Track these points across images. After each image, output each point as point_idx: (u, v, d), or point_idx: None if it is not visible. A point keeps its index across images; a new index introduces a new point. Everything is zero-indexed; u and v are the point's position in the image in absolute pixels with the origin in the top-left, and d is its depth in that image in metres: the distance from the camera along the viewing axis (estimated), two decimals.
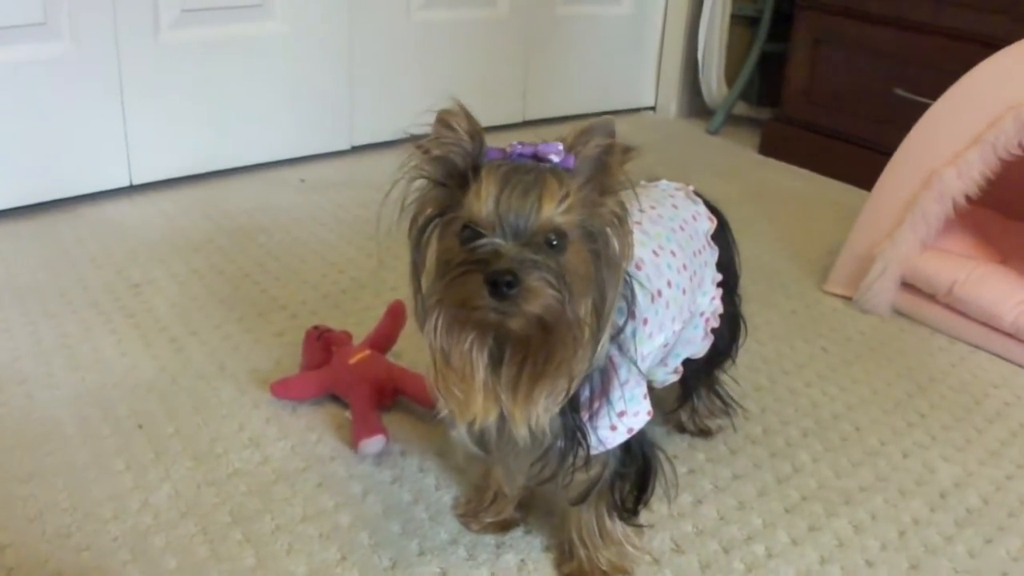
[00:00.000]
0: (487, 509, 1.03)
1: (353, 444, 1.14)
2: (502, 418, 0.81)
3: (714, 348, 1.10)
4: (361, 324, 1.38)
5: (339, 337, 1.28)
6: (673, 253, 0.99)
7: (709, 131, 2.73)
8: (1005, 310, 1.50)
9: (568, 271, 0.76)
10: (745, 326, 1.19)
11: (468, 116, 0.79)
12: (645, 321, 0.92)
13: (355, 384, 1.19)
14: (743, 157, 2.54)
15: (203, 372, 1.32)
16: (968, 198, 1.54)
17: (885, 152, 1.67)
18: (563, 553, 0.99)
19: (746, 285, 1.20)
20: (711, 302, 1.07)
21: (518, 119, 2.62)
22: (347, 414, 1.20)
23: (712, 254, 1.08)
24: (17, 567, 0.94)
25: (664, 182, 1.13)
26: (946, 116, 1.59)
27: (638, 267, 0.92)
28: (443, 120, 0.78)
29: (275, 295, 1.56)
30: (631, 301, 0.86)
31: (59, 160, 1.84)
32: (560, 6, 2.59)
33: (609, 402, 0.86)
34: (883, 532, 1.08)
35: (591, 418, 0.86)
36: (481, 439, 0.86)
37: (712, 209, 1.11)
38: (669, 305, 0.96)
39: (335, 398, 1.24)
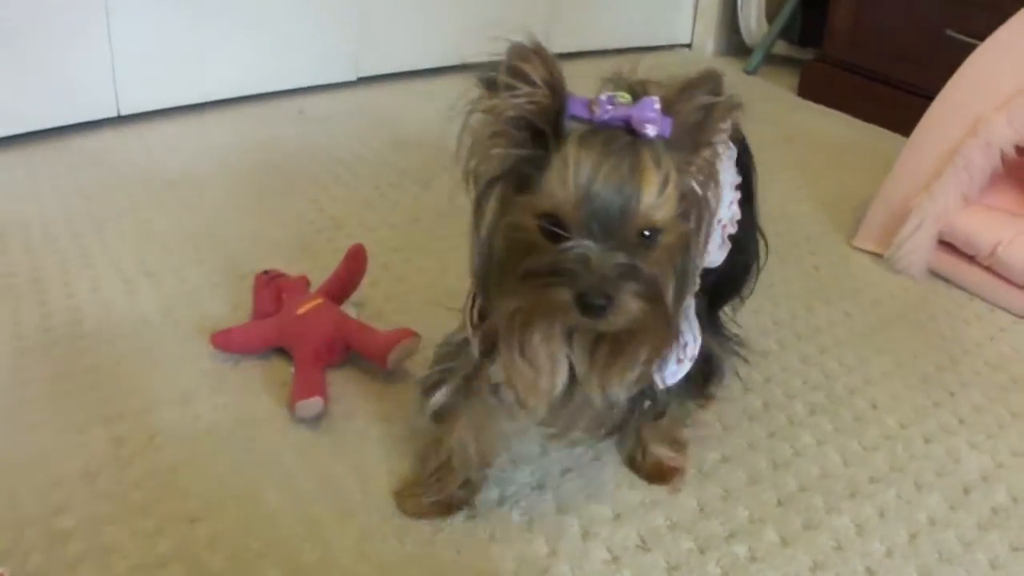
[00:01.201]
0: (429, 486, 0.90)
1: (290, 405, 1.01)
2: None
3: (725, 274, 0.98)
4: (329, 269, 1.26)
5: (293, 283, 1.17)
6: None
7: (747, 71, 2.62)
8: None
9: (660, 266, 0.71)
10: (767, 248, 1.07)
11: (546, 60, 0.69)
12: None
13: (301, 337, 1.08)
14: (780, 99, 2.41)
15: (148, 318, 1.22)
16: (1020, 148, 1.42)
17: (933, 98, 1.54)
18: (634, 456, 0.98)
19: (767, 237, 1.09)
20: (729, 207, 0.94)
21: None
22: (291, 369, 1.08)
23: (731, 155, 0.93)
24: None
25: None
26: (996, 57, 1.47)
27: None
28: (516, 68, 0.69)
29: (243, 234, 1.46)
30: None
31: (43, 90, 1.75)
32: None
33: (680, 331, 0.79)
34: (891, 534, 0.96)
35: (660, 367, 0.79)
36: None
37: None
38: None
39: (282, 352, 1.13)
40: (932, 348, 1.31)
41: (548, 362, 0.74)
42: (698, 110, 0.70)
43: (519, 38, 0.69)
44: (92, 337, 1.18)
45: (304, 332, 1.09)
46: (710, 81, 0.70)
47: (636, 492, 0.97)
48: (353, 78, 2.19)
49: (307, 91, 2.11)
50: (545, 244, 0.69)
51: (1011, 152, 1.42)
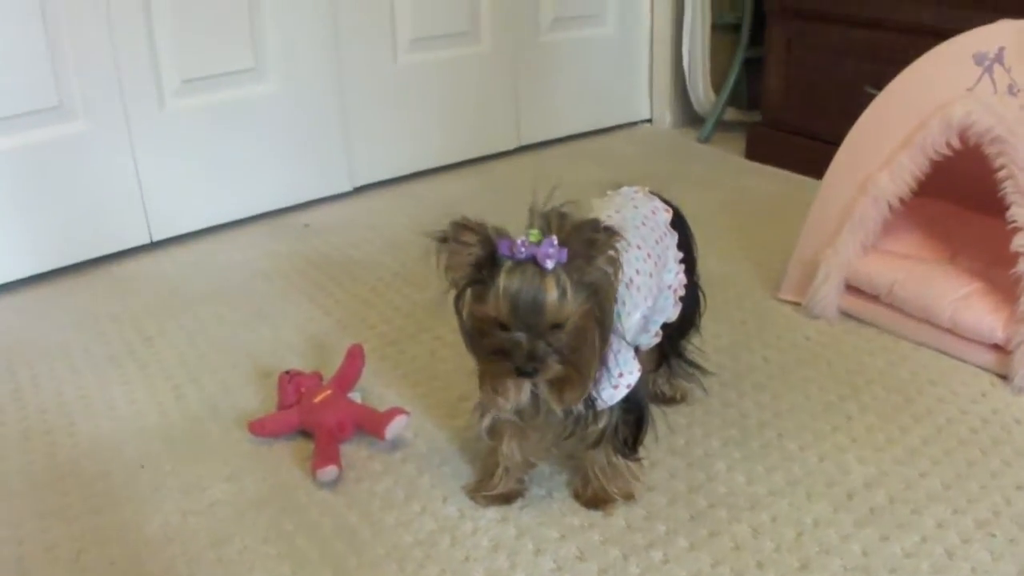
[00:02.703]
0: (496, 484, 1.24)
1: (312, 473, 1.31)
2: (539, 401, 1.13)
3: (681, 318, 1.33)
4: (337, 363, 1.55)
5: (309, 378, 1.47)
6: (639, 247, 1.21)
7: (700, 139, 2.84)
8: (942, 306, 1.57)
9: (574, 336, 1.04)
10: (704, 298, 1.41)
11: (475, 228, 1.04)
12: (623, 303, 1.15)
13: (319, 421, 1.37)
14: (729, 164, 2.64)
15: (198, 415, 1.51)
16: (902, 200, 1.63)
17: None
18: (579, 489, 1.25)
19: (704, 293, 1.41)
20: (675, 276, 1.29)
21: (513, 145, 2.76)
22: (312, 446, 1.38)
23: (672, 238, 1.30)
24: None
25: (625, 188, 1.35)
26: (877, 122, 1.66)
27: None
28: (455, 238, 1.04)
29: (266, 339, 1.75)
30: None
31: (83, 225, 2.05)
32: (544, 34, 2.72)
33: (608, 370, 1.11)
34: (781, 534, 1.16)
35: (596, 385, 1.10)
36: (520, 413, 1.16)
37: (666, 203, 1.34)
38: (640, 289, 1.19)
39: (305, 433, 1.42)
40: (838, 381, 1.52)
41: (515, 393, 1.11)
42: (584, 242, 1.02)
43: (457, 218, 1.04)
44: (153, 431, 1.47)
45: (321, 417, 1.38)
46: (592, 224, 1.03)
47: (577, 517, 1.23)
48: (349, 188, 2.47)
49: (310, 204, 2.40)
50: (497, 333, 1.04)
51: (896, 204, 1.62)
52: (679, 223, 1.34)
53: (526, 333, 1.02)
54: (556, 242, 1.02)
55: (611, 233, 1.05)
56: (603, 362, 1.11)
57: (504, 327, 1.03)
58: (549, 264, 1.00)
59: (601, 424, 1.17)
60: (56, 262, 2.04)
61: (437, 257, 1.05)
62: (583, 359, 1.06)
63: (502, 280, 1.01)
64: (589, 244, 1.04)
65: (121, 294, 1.97)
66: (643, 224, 1.29)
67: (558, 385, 1.08)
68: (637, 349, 1.25)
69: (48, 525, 1.26)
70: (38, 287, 2.02)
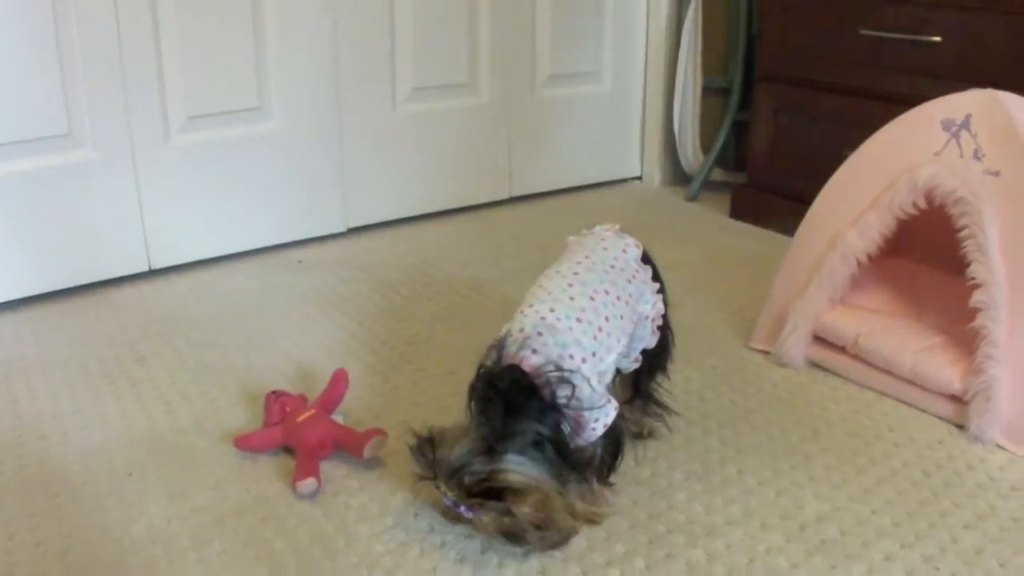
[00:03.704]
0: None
1: (292, 485, 1.38)
2: None
3: (653, 354, 1.42)
4: (321, 388, 1.62)
5: (294, 399, 1.54)
6: (607, 292, 1.29)
7: (687, 198, 2.93)
8: (904, 357, 1.64)
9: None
10: (672, 337, 1.49)
11: (426, 465, 1.19)
12: (594, 354, 1.23)
13: (301, 438, 1.44)
14: (714, 222, 2.73)
15: (186, 429, 1.58)
16: (884, 251, 1.71)
17: None
18: None
19: (676, 344, 1.51)
20: (652, 307, 1.37)
21: (505, 196, 2.85)
22: (295, 462, 1.45)
23: (646, 272, 1.38)
24: None
25: (597, 228, 1.44)
26: (848, 182, 1.75)
27: (579, 319, 1.25)
28: (417, 454, 1.19)
29: (255, 364, 1.83)
30: (572, 382, 1.19)
31: (85, 250, 2.14)
32: (540, 89, 2.83)
33: (584, 427, 1.20)
34: (733, 560, 1.21)
35: (579, 436, 1.21)
36: None
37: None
38: (611, 333, 1.27)
39: (288, 450, 1.49)
40: (800, 424, 1.58)
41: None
42: (476, 498, 1.17)
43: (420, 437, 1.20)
44: (149, 444, 1.54)
45: (303, 434, 1.45)
46: (459, 481, 1.17)
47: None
48: (343, 229, 2.56)
49: (305, 243, 2.49)
50: None
51: (864, 259, 1.70)
52: (648, 257, 1.42)
53: None
54: (462, 508, 1.16)
55: (495, 477, 1.15)
56: (571, 436, 1.22)
57: None
58: (468, 515, 1.17)
59: (587, 455, 1.24)
60: (57, 284, 2.12)
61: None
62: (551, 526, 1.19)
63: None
64: (472, 497, 1.15)
65: (118, 317, 2.05)
66: (612, 267, 1.35)
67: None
68: (618, 372, 1.36)
69: (38, 524, 1.33)
70: (38, 307, 2.10)
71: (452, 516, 1.24)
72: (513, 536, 1.22)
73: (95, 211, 2.13)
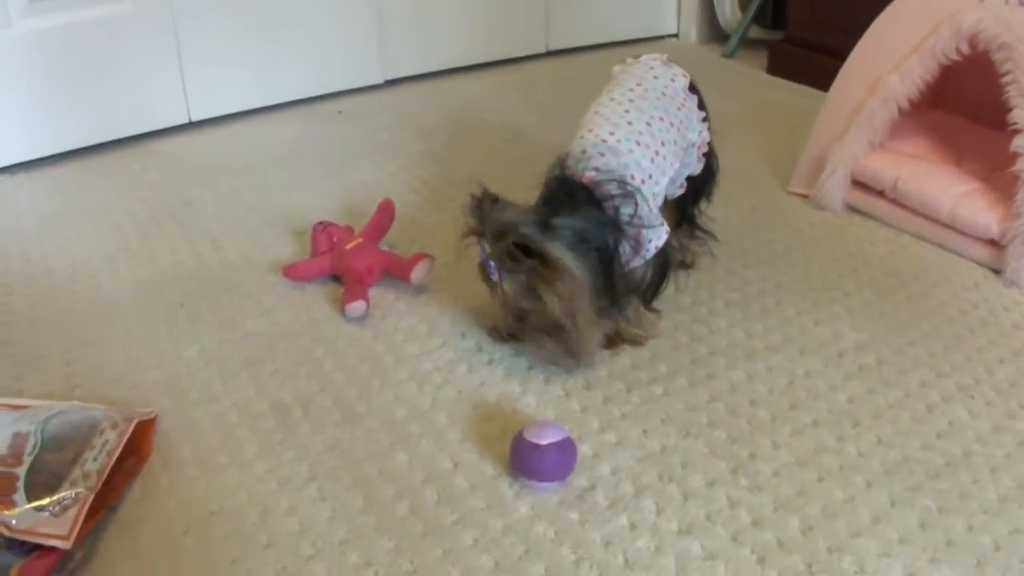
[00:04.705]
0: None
1: (342, 309, 1.41)
2: None
3: (699, 180, 1.45)
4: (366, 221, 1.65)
5: (341, 229, 1.56)
6: (661, 118, 1.32)
7: (724, 55, 2.89)
8: (943, 202, 1.64)
9: (541, 321, 1.20)
10: (718, 161, 1.50)
11: (478, 216, 1.19)
12: (651, 176, 1.27)
13: (348, 264, 1.47)
14: (751, 78, 2.70)
15: (235, 263, 1.62)
16: (924, 103, 1.69)
17: None
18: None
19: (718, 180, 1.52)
20: (699, 135, 1.40)
21: (541, 50, 2.83)
22: (343, 289, 1.48)
23: (693, 100, 1.40)
24: (83, 399, 1.24)
25: (644, 57, 1.44)
26: (891, 26, 1.72)
27: (638, 143, 1.26)
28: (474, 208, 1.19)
29: (298, 203, 1.85)
30: (636, 198, 1.21)
31: (126, 103, 2.15)
32: None
33: (643, 245, 1.24)
34: (774, 381, 1.25)
35: (638, 255, 1.23)
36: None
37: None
38: (666, 157, 1.31)
39: (336, 278, 1.52)
40: (838, 262, 1.59)
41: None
42: (505, 255, 1.16)
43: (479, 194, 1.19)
44: (199, 277, 1.58)
45: (351, 261, 1.48)
46: (503, 236, 1.16)
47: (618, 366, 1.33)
48: (380, 81, 2.56)
49: (343, 94, 2.50)
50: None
51: (905, 105, 1.68)
52: (695, 87, 1.43)
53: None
54: (493, 265, 1.16)
55: (526, 236, 1.14)
56: (631, 256, 1.25)
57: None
58: (494, 277, 1.16)
59: (638, 276, 1.28)
60: (97, 137, 2.14)
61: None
62: (571, 332, 1.19)
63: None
64: (510, 258, 1.15)
65: (161, 166, 2.07)
66: (663, 94, 1.38)
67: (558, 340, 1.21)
68: (665, 201, 1.37)
69: (95, 352, 1.37)
70: (81, 160, 2.12)
71: (485, 279, 1.22)
72: (529, 327, 1.24)
73: (134, 63, 2.14)
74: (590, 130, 1.30)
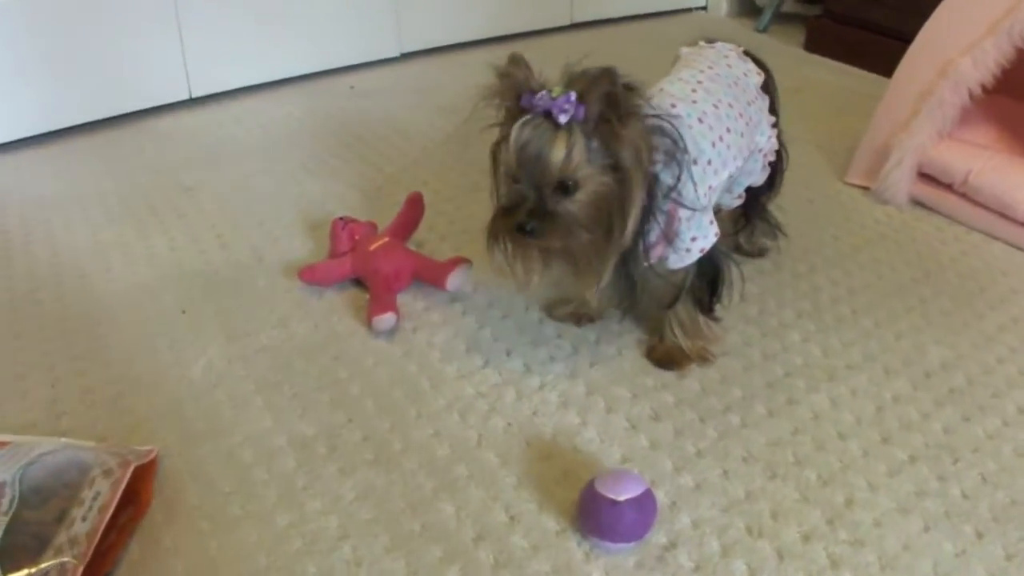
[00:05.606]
0: (568, 302, 1.28)
1: (367, 321, 1.25)
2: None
3: (756, 193, 1.32)
4: (390, 217, 1.49)
5: (364, 226, 1.40)
6: (731, 105, 1.17)
7: (758, 29, 2.77)
8: (1020, 199, 1.52)
9: (588, 210, 1.00)
10: (787, 154, 1.37)
11: (523, 65, 1.01)
12: (709, 162, 1.12)
13: (374, 268, 1.31)
14: (789, 54, 2.56)
15: (243, 262, 1.45)
16: (992, 88, 1.56)
17: None
18: (655, 344, 1.22)
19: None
20: (768, 140, 1.26)
21: (565, 22, 2.68)
22: (367, 296, 1.31)
23: (764, 102, 1.26)
24: (70, 431, 1.08)
25: (720, 43, 1.29)
26: (961, 7, 1.61)
27: (700, 120, 1.12)
28: (506, 70, 1.01)
29: (312, 191, 1.69)
30: (682, 164, 1.05)
31: (121, 78, 1.99)
32: None
33: (678, 235, 1.09)
34: (860, 407, 1.13)
35: (669, 244, 1.09)
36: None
37: (759, 63, 1.30)
38: (730, 147, 1.15)
39: (358, 282, 1.36)
40: (909, 264, 1.47)
41: (528, 273, 1.07)
42: (602, 96, 0.96)
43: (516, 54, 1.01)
44: (202, 278, 1.41)
45: (376, 264, 1.31)
46: (609, 77, 0.96)
47: (650, 378, 1.18)
48: (396, 54, 2.40)
49: (356, 68, 2.34)
50: (511, 186, 1.02)
51: (977, 91, 1.56)
52: (769, 87, 1.29)
53: (534, 192, 0.99)
54: (574, 98, 0.96)
55: (630, 88, 0.99)
56: (659, 240, 1.08)
57: (516, 180, 1.01)
58: (563, 118, 0.96)
59: (677, 279, 1.15)
60: (87, 115, 1.98)
61: (491, 88, 1.02)
62: (596, 240, 1.02)
63: (515, 130, 0.98)
64: (608, 100, 0.97)
65: (159, 146, 1.91)
66: (735, 84, 1.22)
67: (571, 265, 1.06)
68: (718, 211, 1.21)
69: (83, 368, 1.21)
70: (71, 139, 1.95)
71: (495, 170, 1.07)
72: (552, 223, 1.04)
73: (128, 32, 1.96)
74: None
